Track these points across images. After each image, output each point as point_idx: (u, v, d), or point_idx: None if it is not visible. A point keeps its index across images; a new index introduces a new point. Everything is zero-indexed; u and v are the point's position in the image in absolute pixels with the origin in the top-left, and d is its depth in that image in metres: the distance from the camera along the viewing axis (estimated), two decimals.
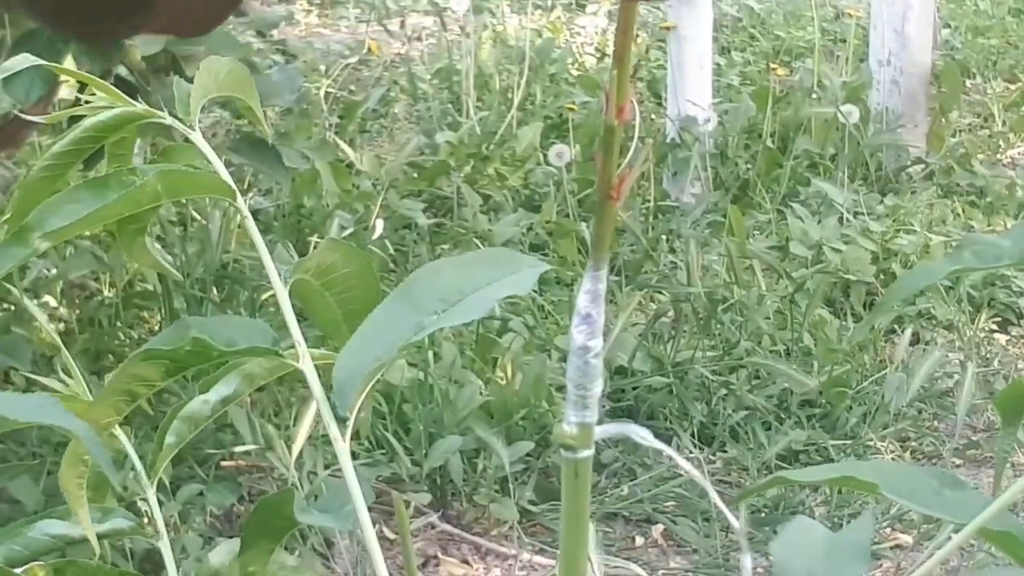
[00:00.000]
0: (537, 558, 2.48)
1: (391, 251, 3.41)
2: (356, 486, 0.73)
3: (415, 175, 3.92)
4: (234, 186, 0.66)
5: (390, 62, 5.17)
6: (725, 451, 2.81)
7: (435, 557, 2.49)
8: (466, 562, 2.48)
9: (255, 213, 3.61)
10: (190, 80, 0.68)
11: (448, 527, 2.54)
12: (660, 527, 2.60)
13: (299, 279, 0.68)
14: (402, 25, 5.60)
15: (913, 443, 2.90)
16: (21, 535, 0.89)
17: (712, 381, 2.93)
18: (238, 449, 2.50)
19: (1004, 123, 4.79)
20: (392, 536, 2.47)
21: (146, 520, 0.95)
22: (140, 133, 0.79)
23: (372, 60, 5.15)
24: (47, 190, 0.69)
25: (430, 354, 2.77)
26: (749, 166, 4.05)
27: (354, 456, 2.58)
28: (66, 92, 2.77)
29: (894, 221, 3.73)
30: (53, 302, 2.77)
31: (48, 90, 2.71)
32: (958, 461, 2.84)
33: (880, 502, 2.51)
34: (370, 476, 2.54)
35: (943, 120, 4.40)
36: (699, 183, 3.97)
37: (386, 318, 0.62)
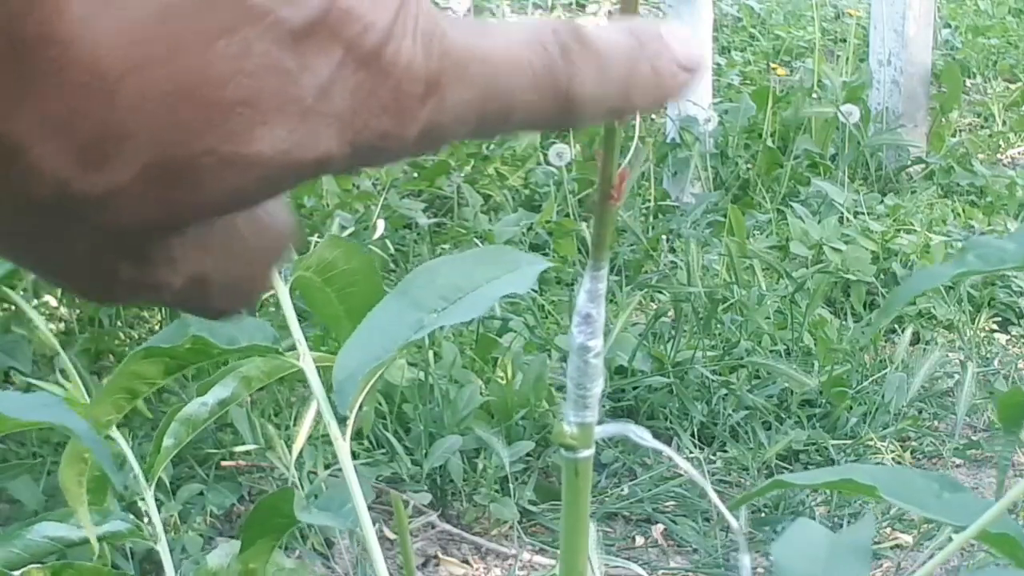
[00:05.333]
0: (537, 558, 2.48)
1: (391, 251, 3.41)
2: (356, 485, 0.73)
3: (415, 175, 3.92)
4: None
5: None
6: (725, 451, 2.81)
7: (435, 557, 2.49)
8: (466, 562, 2.48)
9: None
10: None
11: (448, 527, 2.54)
12: (660, 527, 2.60)
13: (300, 276, 0.68)
14: None
15: (913, 443, 2.89)
16: (19, 538, 0.89)
17: (712, 381, 2.93)
18: (238, 449, 2.50)
19: (1004, 123, 4.79)
20: (393, 536, 2.46)
21: (146, 521, 0.95)
22: None
23: None
24: None
25: (430, 354, 2.77)
26: (749, 166, 4.05)
27: (354, 456, 2.59)
28: None
29: (894, 221, 3.73)
30: (53, 302, 2.77)
31: None
32: (958, 461, 2.84)
33: (880, 502, 2.51)
34: (370, 476, 2.54)
35: (943, 120, 4.40)
36: (699, 183, 3.97)
37: (386, 317, 0.62)
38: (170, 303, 0.36)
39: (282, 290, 0.67)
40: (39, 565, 0.88)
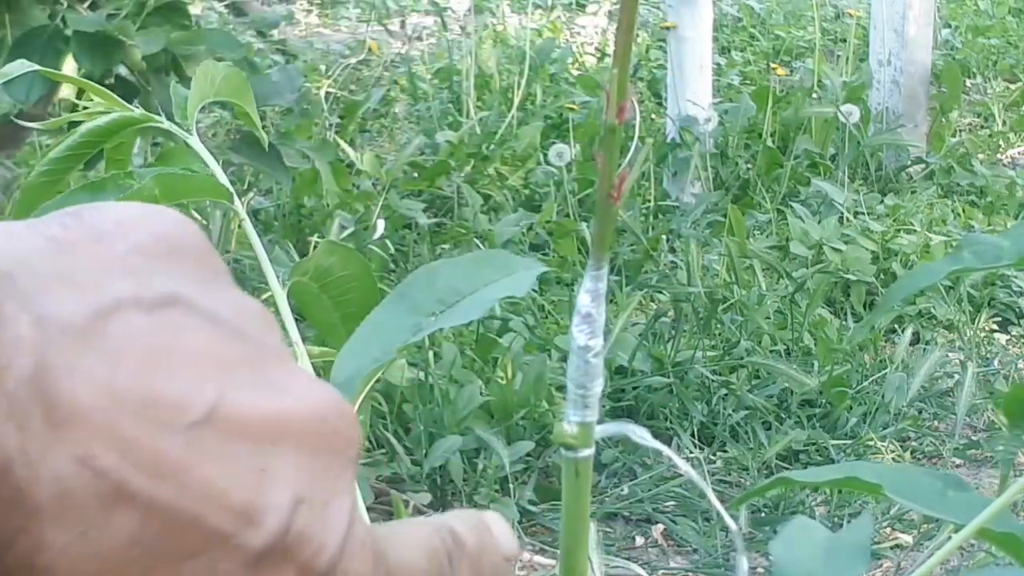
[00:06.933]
0: (537, 558, 2.48)
1: (392, 251, 3.41)
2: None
3: (415, 175, 3.92)
4: (231, 189, 0.66)
5: (390, 62, 5.18)
6: (725, 451, 2.81)
7: None
8: None
9: (256, 213, 3.61)
10: (190, 79, 0.68)
11: None
12: (660, 527, 2.60)
13: (297, 281, 0.68)
14: (402, 25, 5.60)
15: (913, 443, 2.90)
16: None
17: (712, 381, 2.93)
18: None
19: (1004, 123, 4.80)
20: None
21: None
22: (141, 134, 0.78)
23: (372, 60, 5.16)
24: (47, 193, 0.69)
25: (430, 354, 2.77)
26: (749, 166, 4.05)
27: None
28: (67, 91, 2.77)
29: (894, 221, 3.73)
30: None
31: (49, 90, 2.71)
32: (958, 461, 2.84)
33: (880, 502, 2.51)
34: (370, 476, 2.54)
35: (943, 120, 4.40)
36: (699, 183, 3.97)
37: (384, 320, 0.62)
38: None
39: (279, 294, 0.68)
40: None
